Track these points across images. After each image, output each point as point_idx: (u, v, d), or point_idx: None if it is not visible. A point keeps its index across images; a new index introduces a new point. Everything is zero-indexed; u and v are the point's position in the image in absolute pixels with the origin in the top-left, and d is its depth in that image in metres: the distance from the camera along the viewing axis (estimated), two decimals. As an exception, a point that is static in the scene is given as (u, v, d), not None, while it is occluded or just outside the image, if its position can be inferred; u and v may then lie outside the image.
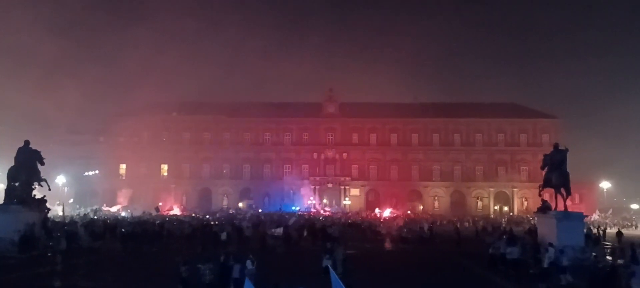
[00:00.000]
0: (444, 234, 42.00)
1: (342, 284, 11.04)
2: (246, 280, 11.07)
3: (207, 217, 56.62)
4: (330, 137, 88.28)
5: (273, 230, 36.94)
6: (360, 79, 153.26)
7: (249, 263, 19.15)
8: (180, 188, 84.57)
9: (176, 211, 70.74)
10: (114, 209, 70.93)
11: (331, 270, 11.49)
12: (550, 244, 24.53)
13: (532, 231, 35.35)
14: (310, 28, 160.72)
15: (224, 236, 34.58)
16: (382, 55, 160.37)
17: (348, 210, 76.03)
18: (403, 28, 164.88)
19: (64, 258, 26.85)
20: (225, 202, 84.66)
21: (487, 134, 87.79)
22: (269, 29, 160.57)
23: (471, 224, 51.63)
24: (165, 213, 66.78)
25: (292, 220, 47.18)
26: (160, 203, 74.72)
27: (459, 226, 48.42)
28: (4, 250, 27.76)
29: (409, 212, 71.78)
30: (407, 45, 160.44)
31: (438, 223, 51.39)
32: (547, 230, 29.93)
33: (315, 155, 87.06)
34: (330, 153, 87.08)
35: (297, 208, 73.93)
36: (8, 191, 34.56)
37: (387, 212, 67.63)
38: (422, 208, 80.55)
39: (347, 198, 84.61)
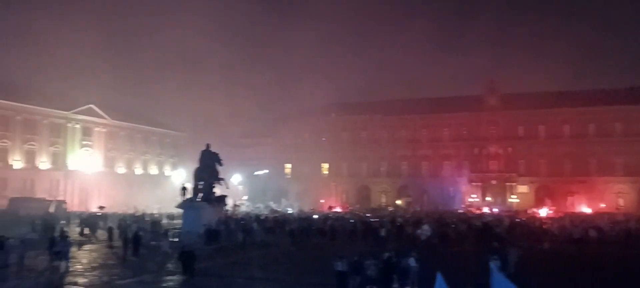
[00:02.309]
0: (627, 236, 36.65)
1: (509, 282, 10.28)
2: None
3: (367, 214, 57.62)
4: (493, 131, 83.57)
5: (419, 231, 34.67)
6: (524, 68, 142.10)
7: (412, 261, 18.94)
8: (340, 186, 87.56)
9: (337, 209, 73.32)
10: (282, 205, 76.16)
11: (492, 268, 10.81)
12: None
13: None
14: (471, 19, 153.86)
15: (383, 232, 34.93)
16: (551, 41, 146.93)
17: (515, 208, 71.13)
18: (576, 8, 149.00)
19: (241, 251, 29.57)
20: (383, 200, 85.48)
21: (684, 120, 75.24)
22: (425, 23, 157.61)
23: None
24: (327, 210, 69.75)
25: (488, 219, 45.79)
26: (322, 201, 78.44)
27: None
28: (193, 242, 31.34)
29: (588, 210, 64.67)
30: (582, 26, 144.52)
31: (621, 223, 45.05)
32: None
33: (476, 151, 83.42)
34: (493, 149, 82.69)
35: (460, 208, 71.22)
36: (195, 189, 39.30)
37: (545, 211, 61.71)
38: (604, 207, 71.72)
39: (513, 196, 79.28)
